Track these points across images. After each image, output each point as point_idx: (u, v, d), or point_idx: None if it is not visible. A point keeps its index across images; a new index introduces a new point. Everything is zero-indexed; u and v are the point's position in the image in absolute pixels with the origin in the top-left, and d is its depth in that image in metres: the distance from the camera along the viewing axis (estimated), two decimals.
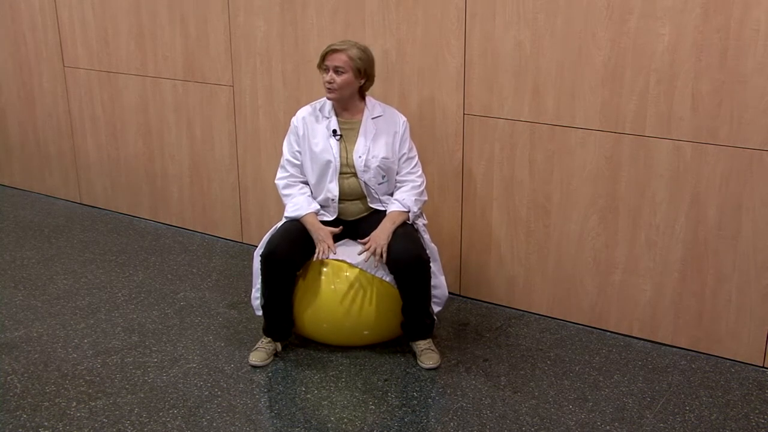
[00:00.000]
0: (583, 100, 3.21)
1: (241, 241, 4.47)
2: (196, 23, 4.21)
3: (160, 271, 4.11)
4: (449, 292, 3.49)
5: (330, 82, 3.10)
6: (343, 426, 2.78)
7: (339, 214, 3.25)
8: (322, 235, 3.11)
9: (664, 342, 3.32)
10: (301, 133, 3.24)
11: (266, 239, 3.21)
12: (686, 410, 2.86)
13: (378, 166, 3.17)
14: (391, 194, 3.26)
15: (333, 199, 3.20)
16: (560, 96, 3.26)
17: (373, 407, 2.90)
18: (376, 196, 3.22)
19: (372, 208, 3.25)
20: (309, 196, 3.25)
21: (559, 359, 3.22)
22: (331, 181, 3.19)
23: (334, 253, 3.11)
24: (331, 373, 3.12)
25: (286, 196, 3.27)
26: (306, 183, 3.29)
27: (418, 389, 3.01)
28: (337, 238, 3.18)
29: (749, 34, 2.84)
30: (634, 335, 3.38)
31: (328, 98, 3.18)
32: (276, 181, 3.31)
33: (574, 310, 3.49)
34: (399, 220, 3.13)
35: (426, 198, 3.31)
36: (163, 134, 4.56)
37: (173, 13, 4.28)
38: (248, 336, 3.41)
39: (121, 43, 4.55)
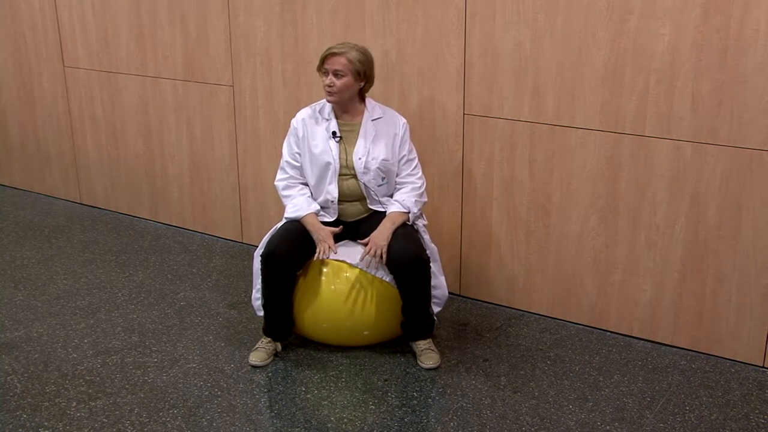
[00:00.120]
0: (583, 100, 3.21)
1: (241, 241, 4.47)
2: (196, 23, 4.21)
3: (160, 271, 4.11)
4: (449, 292, 3.49)
5: (330, 86, 3.10)
6: (343, 426, 2.79)
7: (339, 216, 3.25)
8: (323, 235, 3.11)
9: (664, 342, 3.32)
10: (300, 134, 3.24)
11: (266, 239, 3.21)
12: (686, 410, 2.86)
13: (378, 167, 3.17)
14: (391, 196, 3.27)
15: (332, 201, 3.20)
16: (560, 96, 3.26)
17: (373, 407, 2.90)
18: (376, 198, 3.22)
19: (372, 209, 3.25)
20: (309, 196, 3.25)
21: (559, 359, 3.22)
22: (330, 183, 3.19)
23: (335, 253, 3.11)
24: (331, 373, 3.12)
25: (286, 197, 3.27)
26: (305, 184, 3.29)
27: (418, 389, 3.01)
28: (337, 238, 3.18)
29: (749, 34, 2.84)
30: (634, 335, 3.38)
31: (329, 101, 3.18)
32: (276, 183, 3.31)
33: (574, 310, 3.49)
34: (399, 221, 3.13)
35: (426, 199, 3.31)
36: (163, 134, 4.56)
37: (173, 13, 4.28)
38: (248, 336, 3.41)
39: (121, 43, 4.55)
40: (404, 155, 3.24)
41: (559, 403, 2.91)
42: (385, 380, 3.07)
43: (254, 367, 3.17)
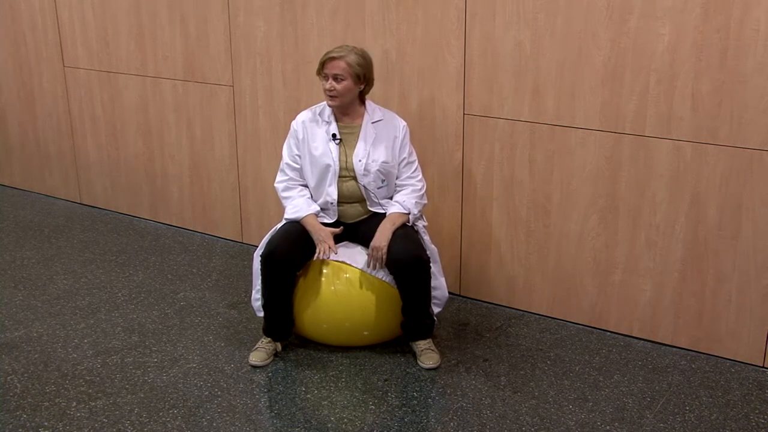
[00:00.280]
0: (583, 100, 3.21)
1: (241, 241, 4.47)
2: (196, 23, 4.21)
3: (160, 271, 4.11)
4: (449, 292, 3.49)
5: (330, 90, 3.10)
6: (343, 426, 2.79)
7: (338, 217, 3.25)
8: (323, 236, 3.11)
9: (664, 342, 3.32)
10: (300, 136, 3.24)
11: (266, 240, 3.21)
12: (686, 410, 2.86)
13: (378, 170, 3.17)
14: (391, 197, 3.27)
15: (332, 203, 3.20)
16: (560, 96, 3.26)
17: (373, 407, 2.90)
18: (376, 200, 3.22)
19: (371, 211, 3.25)
20: (308, 198, 3.25)
21: (559, 359, 3.22)
22: (330, 185, 3.19)
23: (335, 254, 3.11)
24: (331, 373, 3.12)
25: (286, 198, 3.27)
26: (305, 186, 3.29)
27: (418, 389, 3.01)
28: (337, 239, 3.18)
29: (749, 34, 2.84)
30: (634, 335, 3.38)
31: (329, 105, 3.18)
32: (275, 185, 3.31)
33: (574, 310, 3.49)
34: (399, 222, 3.13)
35: (426, 201, 3.32)
36: (163, 134, 4.56)
37: (173, 13, 4.28)
38: (248, 336, 3.41)
39: (121, 43, 4.55)
40: (404, 158, 3.24)
41: (559, 403, 2.91)
42: (385, 380, 3.07)
43: (254, 367, 3.17)
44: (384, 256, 3.05)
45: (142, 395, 2.97)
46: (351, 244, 3.26)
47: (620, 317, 3.39)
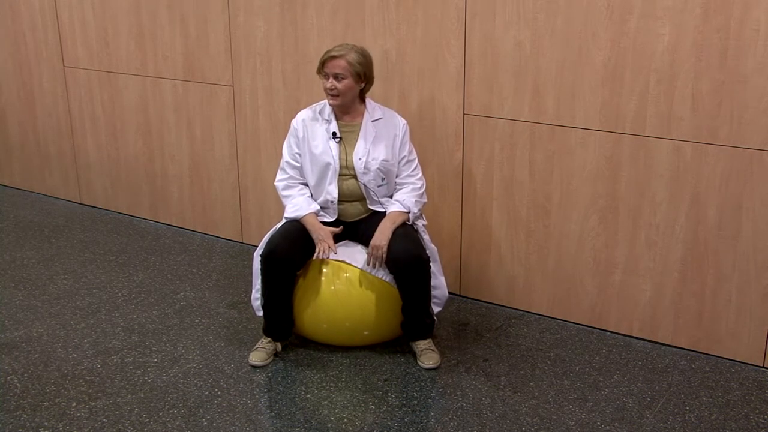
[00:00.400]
0: (583, 100, 3.21)
1: (241, 241, 4.47)
2: (196, 23, 4.21)
3: (160, 271, 4.11)
4: (449, 292, 3.49)
5: (331, 89, 3.11)
6: (343, 426, 2.79)
7: (339, 216, 3.25)
8: (323, 235, 3.11)
9: (664, 342, 3.32)
10: (300, 135, 3.24)
11: (266, 239, 3.21)
12: (686, 410, 2.86)
13: (378, 168, 3.17)
14: (391, 196, 3.27)
15: (332, 201, 3.20)
16: (560, 96, 3.26)
17: (373, 407, 2.90)
18: (376, 198, 3.22)
19: (371, 209, 3.25)
20: (309, 197, 3.25)
21: (559, 359, 3.22)
22: (330, 183, 3.19)
23: (335, 253, 3.11)
24: (331, 373, 3.12)
25: (286, 197, 3.27)
26: (305, 184, 3.29)
27: (418, 389, 3.01)
28: (337, 238, 3.18)
29: (749, 34, 2.84)
30: (634, 335, 3.38)
31: (331, 104, 3.18)
32: (275, 183, 3.31)
33: (574, 310, 3.49)
34: (399, 221, 3.13)
35: (426, 200, 3.31)
36: (163, 134, 4.56)
37: (173, 13, 4.28)
38: (248, 336, 3.41)
39: (121, 43, 4.55)
40: (404, 156, 3.24)
41: (559, 403, 2.91)
42: (385, 380, 3.07)
43: (254, 367, 3.17)
44: (384, 255, 3.05)
45: (142, 395, 2.97)
46: (351, 243, 3.26)
47: (620, 317, 3.39)
